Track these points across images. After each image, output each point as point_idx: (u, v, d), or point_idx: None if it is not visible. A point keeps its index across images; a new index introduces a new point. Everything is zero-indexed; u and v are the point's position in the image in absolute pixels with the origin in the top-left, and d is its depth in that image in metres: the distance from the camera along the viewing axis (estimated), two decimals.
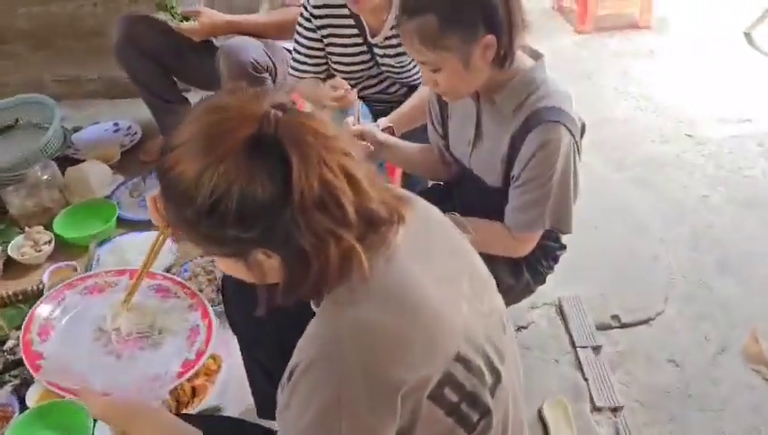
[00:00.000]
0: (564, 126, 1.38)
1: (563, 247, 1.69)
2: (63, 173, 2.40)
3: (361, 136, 1.68)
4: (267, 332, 1.30)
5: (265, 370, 1.43)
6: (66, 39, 3.24)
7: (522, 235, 1.50)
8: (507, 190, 1.50)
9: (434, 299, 0.92)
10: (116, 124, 2.85)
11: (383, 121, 1.84)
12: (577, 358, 1.85)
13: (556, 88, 1.43)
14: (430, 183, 1.93)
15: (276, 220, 0.84)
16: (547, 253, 1.65)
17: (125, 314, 1.23)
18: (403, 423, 0.89)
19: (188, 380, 1.65)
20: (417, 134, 1.83)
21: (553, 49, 3.64)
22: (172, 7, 2.18)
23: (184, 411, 1.59)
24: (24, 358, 1.12)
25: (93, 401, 1.00)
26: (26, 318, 1.20)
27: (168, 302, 1.28)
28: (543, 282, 1.69)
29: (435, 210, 1.10)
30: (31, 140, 2.53)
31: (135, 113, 2.90)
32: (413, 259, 0.94)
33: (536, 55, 1.47)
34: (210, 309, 1.27)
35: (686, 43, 3.63)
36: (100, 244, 2.15)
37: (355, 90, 1.92)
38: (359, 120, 1.72)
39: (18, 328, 1.87)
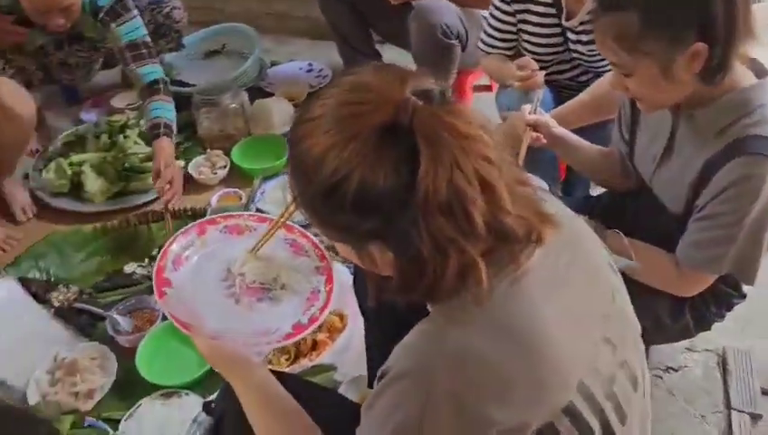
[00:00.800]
0: None
1: (742, 297, 1.44)
2: (252, 103, 2.52)
3: (535, 126, 1.54)
4: (389, 316, 1.25)
5: (384, 351, 1.39)
6: None
7: (692, 274, 1.30)
8: (687, 219, 1.30)
9: (555, 339, 0.80)
10: (310, 65, 2.92)
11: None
12: (729, 421, 1.60)
13: None
14: (596, 190, 1.74)
15: (395, 217, 0.76)
16: (720, 298, 1.42)
17: (253, 262, 1.24)
18: None
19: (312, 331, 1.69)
20: (590, 132, 1.66)
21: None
22: None
23: (301, 362, 1.62)
24: (153, 282, 1.17)
25: (201, 341, 1.02)
26: (166, 244, 1.25)
27: (297, 259, 1.28)
28: (708, 328, 1.47)
29: (588, 237, 0.96)
30: (231, 67, 2.68)
31: (331, 57, 2.96)
32: (543, 288, 0.83)
33: (761, 72, 1.23)
34: (335, 277, 1.25)
35: None
36: (267, 179, 2.23)
37: (542, 72, 1.78)
38: (536, 108, 1.58)
39: None
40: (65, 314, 1.83)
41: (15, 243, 2.11)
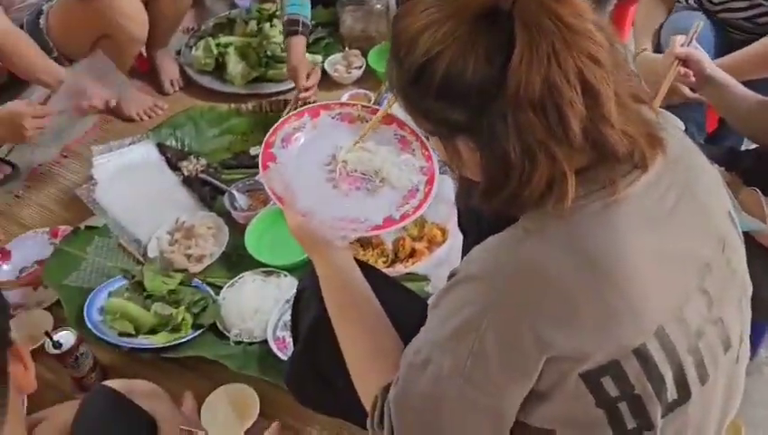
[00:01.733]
0: None
1: None
2: (398, 5, 2.46)
3: (684, 62, 1.37)
4: (487, 235, 1.21)
5: None
6: None
7: None
8: None
9: (639, 276, 0.73)
10: None
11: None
12: None
13: None
14: (747, 146, 1.54)
15: (483, 109, 0.71)
16: None
17: (359, 151, 1.23)
18: (540, 388, 0.75)
19: (413, 239, 1.67)
20: (756, 85, 1.45)
21: None
22: None
23: (397, 267, 1.62)
24: (261, 154, 1.20)
25: (293, 216, 1.03)
26: (279, 122, 1.27)
27: (402, 155, 1.25)
28: None
29: (709, 178, 0.85)
30: None
31: None
32: (640, 220, 0.75)
33: None
34: (437, 181, 1.21)
35: None
36: None
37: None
38: (691, 41, 1.40)
39: None
40: (192, 183, 1.93)
41: (161, 112, 2.25)
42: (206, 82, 2.31)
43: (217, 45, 2.33)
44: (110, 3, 1.91)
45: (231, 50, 2.30)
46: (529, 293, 0.73)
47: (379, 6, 2.34)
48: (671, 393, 0.76)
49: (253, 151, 2.03)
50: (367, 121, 1.30)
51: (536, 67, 0.68)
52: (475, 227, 1.21)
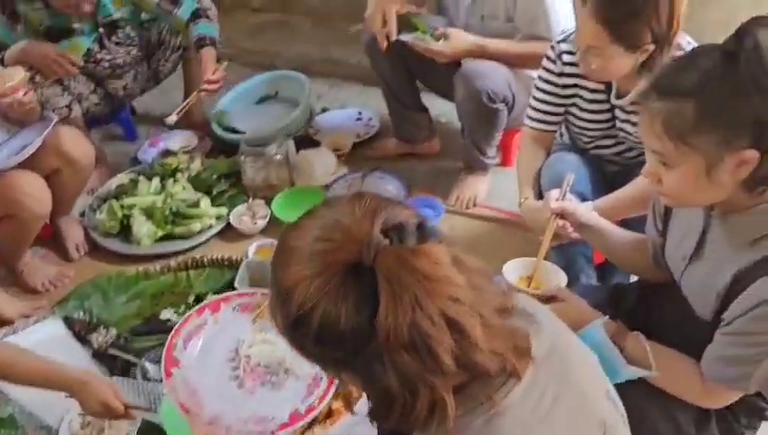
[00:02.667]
0: None
1: None
2: (298, 151, 2.57)
3: (561, 214, 1.52)
4: None
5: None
6: (343, 20, 3.43)
7: (715, 389, 1.25)
8: (715, 326, 1.25)
9: None
10: (359, 113, 2.97)
11: (588, 205, 1.65)
12: None
13: None
14: (633, 278, 1.69)
15: (360, 351, 0.78)
16: (751, 409, 1.36)
17: (260, 344, 1.27)
18: None
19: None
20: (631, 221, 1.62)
21: None
22: (423, 30, 2.16)
23: (315, 431, 1.63)
24: (163, 359, 1.21)
25: (198, 429, 1.04)
26: (181, 320, 1.30)
27: None
28: None
29: (582, 365, 0.94)
30: (283, 113, 2.75)
31: (381, 104, 2.99)
32: (521, 426, 0.82)
33: None
34: None
35: None
36: None
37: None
38: (565, 194, 1.56)
39: (216, 292, 2.08)
40: (102, 357, 1.90)
41: (67, 280, 2.22)
42: (112, 245, 2.31)
43: (121, 207, 2.35)
44: (11, 183, 1.92)
45: (136, 211, 2.32)
46: None
47: (278, 156, 2.44)
48: None
49: (164, 315, 2.02)
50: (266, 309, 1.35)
51: (402, 316, 0.75)
52: None
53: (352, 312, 0.77)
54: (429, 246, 0.79)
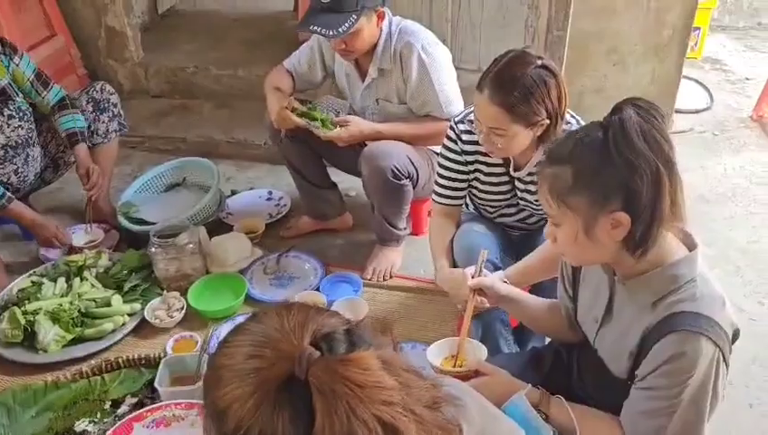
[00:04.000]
0: (708, 338, 1.19)
1: None
2: (211, 237, 2.54)
3: (480, 290, 1.58)
4: None
5: None
6: (244, 102, 3.48)
7: None
8: (630, 383, 1.32)
9: None
10: (270, 193, 2.98)
11: (500, 274, 1.73)
12: None
13: (707, 290, 1.23)
14: (547, 340, 1.77)
15: None
16: None
17: None
18: None
19: None
20: (544, 286, 1.70)
21: (743, 163, 3.30)
22: (323, 119, 2.24)
23: None
24: None
25: None
26: None
27: None
28: None
29: None
30: (193, 200, 2.72)
31: (290, 184, 3.02)
32: None
33: (691, 245, 1.28)
34: None
35: None
36: (220, 321, 2.23)
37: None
38: (480, 271, 1.62)
39: (134, 395, 1.99)
40: None
41: None
42: (17, 355, 2.17)
43: (24, 313, 2.22)
44: None
45: (40, 317, 2.20)
46: None
47: (190, 245, 2.40)
48: None
49: (78, 427, 1.91)
50: (183, 419, 1.31)
51: (338, 425, 0.75)
52: None
53: (289, 428, 0.77)
54: (358, 355, 0.80)
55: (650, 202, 1.18)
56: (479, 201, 2.03)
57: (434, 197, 2.06)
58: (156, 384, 1.90)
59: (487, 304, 1.59)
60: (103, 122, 2.68)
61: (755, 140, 3.56)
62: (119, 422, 1.26)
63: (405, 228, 2.50)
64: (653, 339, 1.24)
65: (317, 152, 2.55)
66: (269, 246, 2.63)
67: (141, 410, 1.32)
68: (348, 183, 2.85)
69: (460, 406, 0.92)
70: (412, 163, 2.23)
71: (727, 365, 1.24)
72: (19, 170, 2.53)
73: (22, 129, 2.48)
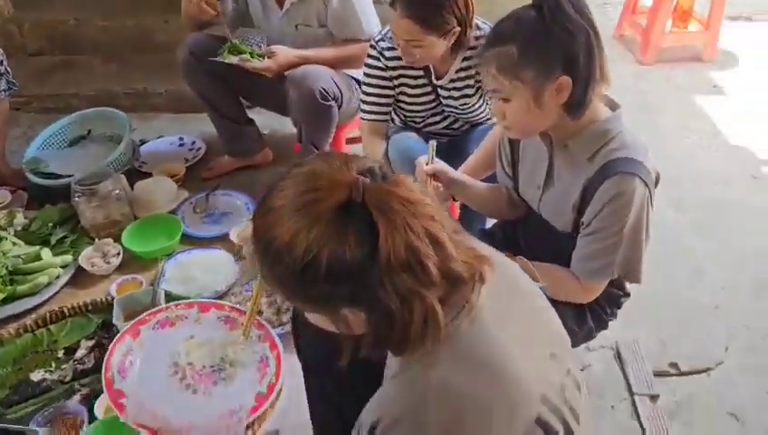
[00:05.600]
0: (639, 177, 1.38)
1: (628, 295, 1.68)
2: (132, 185, 2.48)
3: (434, 175, 1.70)
4: (333, 361, 1.33)
5: (326, 397, 1.45)
6: (136, 53, 3.35)
7: (589, 283, 1.50)
8: (576, 236, 1.51)
9: (517, 363, 0.94)
10: (181, 139, 2.93)
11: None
12: (634, 405, 1.83)
13: (632, 139, 1.43)
14: (490, 222, 1.93)
15: (364, 280, 0.87)
16: (611, 300, 1.65)
17: (196, 349, 1.27)
18: None
19: None
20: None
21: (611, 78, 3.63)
22: (249, 52, 2.25)
23: None
24: (108, 398, 1.17)
25: None
26: (106, 356, 1.25)
27: (235, 332, 1.32)
28: (606, 328, 1.68)
29: (513, 266, 1.12)
30: (102, 152, 2.63)
31: (199, 129, 2.99)
32: (496, 320, 0.96)
33: (613, 106, 1.47)
34: (278, 341, 1.30)
35: (752, 80, 3.57)
36: (167, 258, 2.22)
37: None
38: (432, 159, 1.74)
39: (89, 338, 1.96)
40: None
41: None
42: None
43: None
44: None
45: None
46: (450, 413, 0.88)
47: (116, 191, 2.34)
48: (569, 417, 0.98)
49: (35, 377, 1.86)
50: (186, 318, 1.35)
51: (398, 238, 0.86)
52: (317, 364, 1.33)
53: (355, 246, 0.85)
54: (403, 177, 0.90)
55: (586, 64, 1.35)
56: (406, 114, 2.14)
57: (362, 115, 2.15)
58: (114, 321, 1.88)
59: (442, 189, 1.71)
60: None
61: (620, 56, 3.91)
62: (123, 330, 1.27)
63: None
64: (593, 187, 1.42)
65: (234, 89, 2.55)
66: (193, 189, 2.61)
67: (143, 315, 1.33)
68: (261, 122, 2.86)
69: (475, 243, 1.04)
70: (336, 85, 2.30)
71: (652, 205, 1.45)
72: None
73: None
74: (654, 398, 1.85)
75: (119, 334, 1.29)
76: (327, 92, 2.26)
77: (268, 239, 0.89)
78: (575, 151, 1.45)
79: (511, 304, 1.01)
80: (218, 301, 1.37)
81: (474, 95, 2.08)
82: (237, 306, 1.38)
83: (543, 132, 1.49)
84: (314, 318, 0.98)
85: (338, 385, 1.34)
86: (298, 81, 2.25)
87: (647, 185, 1.40)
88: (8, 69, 2.59)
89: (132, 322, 1.33)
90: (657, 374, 1.93)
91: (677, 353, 2.00)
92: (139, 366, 1.24)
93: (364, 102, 2.13)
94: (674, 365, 1.97)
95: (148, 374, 1.22)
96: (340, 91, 2.33)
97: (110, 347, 1.25)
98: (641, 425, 1.78)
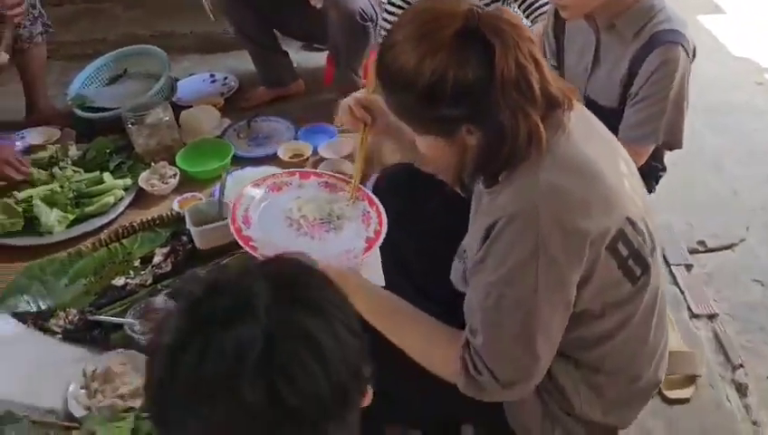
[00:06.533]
0: (682, 46, 1.54)
1: (665, 169, 1.85)
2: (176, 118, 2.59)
3: (365, 106, 1.53)
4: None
5: (399, 258, 1.58)
6: None
7: (637, 148, 1.65)
8: (621, 111, 1.66)
9: (606, 171, 1.10)
10: (212, 75, 3.04)
11: None
12: (672, 274, 2.01)
13: (674, 13, 1.58)
14: None
15: (482, 99, 1.02)
16: (651, 173, 1.81)
17: (307, 204, 1.42)
18: (584, 272, 1.07)
19: None
20: None
21: None
22: None
23: None
24: (240, 242, 1.31)
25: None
26: (230, 211, 1.39)
27: (336, 195, 1.47)
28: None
29: (584, 108, 1.27)
30: (140, 88, 2.72)
31: (228, 65, 3.10)
32: (584, 139, 1.12)
33: None
34: (376, 199, 1.45)
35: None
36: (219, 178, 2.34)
37: None
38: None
39: (163, 246, 2.09)
40: (73, 336, 1.84)
41: None
42: (22, 241, 2.17)
43: (17, 203, 2.21)
44: None
45: (37, 201, 2.20)
46: (560, 205, 1.04)
47: (167, 119, 2.46)
48: (648, 242, 1.14)
49: (118, 283, 2.00)
50: (290, 185, 1.49)
51: (511, 56, 1.01)
52: None
53: (476, 67, 1.00)
54: (503, 7, 1.05)
55: None
56: None
57: (383, 32, 2.25)
58: (188, 227, 2.02)
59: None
60: (24, 27, 2.58)
61: None
62: (242, 189, 1.41)
63: (362, 79, 2.70)
64: (641, 59, 1.57)
65: (268, 21, 2.66)
66: (232, 118, 2.72)
67: (254, 181, 1.48)
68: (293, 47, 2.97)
69: None
70: (372, 6, 2.42)
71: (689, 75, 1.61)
72: None
73: None
74: (689, 268, 2.04)
75: (241, 190, 1.43)
76: (365, 13, 2.38)
77: (395, 69, 1.04)
78: (622, 29, 1.60)
79: (591, 129, 1.17)
80: (319, 171, 1.52)
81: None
82: (335, 174, 1.52)
83: (589, 17, 1.64)
84: (428, 145, 1.13)
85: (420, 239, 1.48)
86: (337, 2, 2.36)
87: (688, 54, 1.56)
88: (42, 12, 2.67)
89: (246, 184, 1.47)
90: (689, 251, 2.11)
91: (704, 234, 2.18)
92: (257, 219, 1.39)
93: (387, 22, 2.22)
94: (702, 243, 2.15)
95: (268, 226, 1.37)
96: (375, 12, 2.45)
97: (232, 204, 1.39)
98: (680, 289, 1.96)
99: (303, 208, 1.40)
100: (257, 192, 1.46)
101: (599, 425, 1.24)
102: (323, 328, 0.64)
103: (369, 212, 1.41)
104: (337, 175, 1.53)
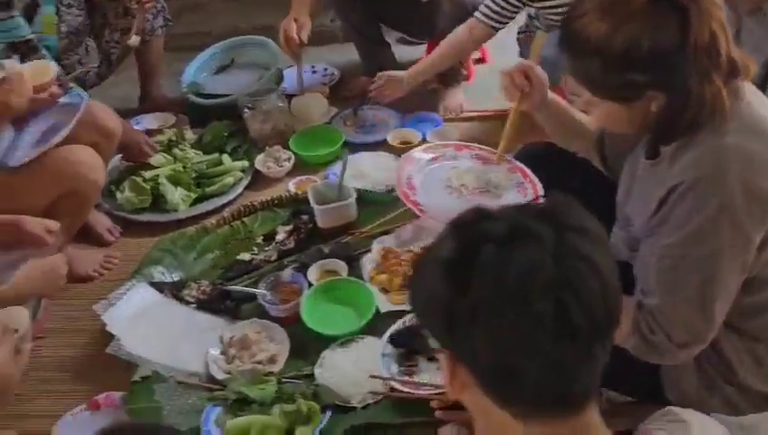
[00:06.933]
0: None
1: None
2: None
3: (526, 74, 1.45)
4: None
5: None
6: None
7: None
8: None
9: None
10: (312, 66, 3.12)
11: None
12: None
13: None
14: None
15: (673, 63, 1.04)
16: None
17: (466, 174, 1.48)
18: (765, 234, 1.09)
19: None
20: None
21: None
22: None
23: None
24: (410, 206, 1.37)
25: None
26: (396, 178, 1.45)
27: (489, 166, 1.53)
28: None
29: None
30: (249, 77, 2.83)
31: (326, 58, 3.18)
32: (761, 106, 1.14)
33: None
34: (528, 170, 1.50)
35: None
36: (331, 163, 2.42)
37: None
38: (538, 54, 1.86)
39: (285, 224, 2.17)
40: (207, 305, 1.93)
41: (116, 261, 2.16)
42: (151, 218, 2.29)
43: (145, 181, 2.32)
44: (64, 157, 1.87)
45: (162, 180, 2.31)
46: (746, 166, 1.06)
47: (281, 104, 2.55)
48: None
49: (243, 257, 2.08)
50: (444, 156, 1.55)
51: (705, 23, 1.04)
52: None
53: (669, 31, 1.04)
54: None
55: None
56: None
57: (479, 15, 2.25)
58: (312, 204, 2.09)
59: (526, 90, 1.43)
60: (147, 20, 2.69)
61: None
62: (402, 159, 1.48)
63: (464, 69, 2.74)
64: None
65: (377, 15, 2.72)
66: (338, 107, 2.79)
67: (411, 154, 1.55)
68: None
69: None
70: None
71: None
72: (82, 60, 2.54)
73: (80, 17, 2.48)
74: None
75: (400, 163, 1.50)
76: (476, 5, 2.41)
77: (583, 39, 1.08)
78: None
79: (764, 102, 1.18)
80: (468, 144, 1.58)
81: None
82: (485, 147, 1.57)
83: (731, 1, 1.64)
84: (608, 114, 1.16)
85: None
86: None
87: None
88: (165, 6, 2.79)
89: (406, 155, 1.54)
90: None
91: None
92: (420, 186, 1.45)
93: (493, 2, 2.22)
94: None
95: (430, 191, 1.43)
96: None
97: (397, 173, 1.46)
98: None
99: (463, 177, 1.46)
100: (425, 157, 1.53)
101: (759, 393, 1.25)
102: (600, 252, 0.68)
103: (522, 183, 1.45)
104: (486, 148, 1.58)
